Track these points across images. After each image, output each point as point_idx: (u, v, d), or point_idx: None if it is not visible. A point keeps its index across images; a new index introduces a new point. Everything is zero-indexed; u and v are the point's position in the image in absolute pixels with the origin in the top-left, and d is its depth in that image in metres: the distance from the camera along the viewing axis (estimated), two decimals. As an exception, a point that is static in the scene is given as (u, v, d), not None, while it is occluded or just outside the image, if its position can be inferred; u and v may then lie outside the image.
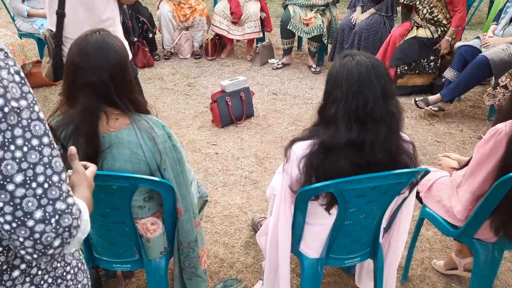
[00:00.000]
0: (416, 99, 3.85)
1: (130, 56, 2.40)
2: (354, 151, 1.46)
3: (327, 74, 1.55)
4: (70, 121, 1.45)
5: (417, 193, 2.05)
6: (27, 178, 0.73)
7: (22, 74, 0.76)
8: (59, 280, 0.94)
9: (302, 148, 1.52)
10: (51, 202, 0.75)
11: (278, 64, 4.91)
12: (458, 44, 3.97)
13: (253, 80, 4.60)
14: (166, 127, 1.54)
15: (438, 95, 3.75)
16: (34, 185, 0.74)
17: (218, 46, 5.30)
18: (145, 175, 1.50)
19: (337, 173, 1.47)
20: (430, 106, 3.75)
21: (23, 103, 0.74)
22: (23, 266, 0.87)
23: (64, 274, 0.96)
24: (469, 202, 1.74)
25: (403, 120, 1.53)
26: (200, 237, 1.72)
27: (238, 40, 5.44)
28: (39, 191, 0.74)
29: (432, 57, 4.10)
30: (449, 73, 3.82)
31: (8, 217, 0.73)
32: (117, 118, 1.48)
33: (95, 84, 1.42)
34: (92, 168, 1.06)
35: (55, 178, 0.77)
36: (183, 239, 1.65)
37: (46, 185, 0.75)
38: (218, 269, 2.25)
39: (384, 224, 1.75)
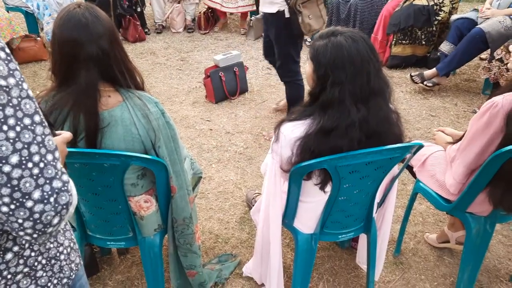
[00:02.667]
0: (412, 74, 3.82)
1: None
2: (356, 129, 1.44)
3: (315, 57, 1.47)
4: (69, 100, 1.41)
5: (411, 167, 2.05)
6: (23, 159, 0.71)
7: (8, 51, 0.73)
8: (52, 261, 0.94)
9: (292, 130, 1.50)
10: (48, 181, 0.74)
11: (272, 38, 4.83)
12: (454, 16, 3.92)
13: (247, 54, 4.54)
14: (159, 104, 1.52)
15: (434, 70, 3.72)
16: (30, 165, 0.72)
17: (211, 19, 5.20)
18: (139, 153, 1.48)
19: (335, 151, 1.45)
20: (425, 82, 3.73)
21: (12, 81, 0.71)
22: (15, 248, 0.86)
23: (58, 254, 0.95)
24: (463, 175, 1.74)
25: (392, 89, 1.54)
26: (194, 213, 1.73)
27: (231, 13, 5.34)
28: (36, 171, 0.73)
29: (427, 28, 4.05)
30: (445, 47, 3.79)
31: (6, 199, 0.72)
32: (109, 95, 1.45)
33: (96, 56, 1.38)
34: (64, 135, 1.01)
35: (50, 156, 0.75)
36: (178, 216, 1.64)
37: (42, 165, 0.74)
38: (213, 245, 2.26)
39: (377, 199, 1.76)
